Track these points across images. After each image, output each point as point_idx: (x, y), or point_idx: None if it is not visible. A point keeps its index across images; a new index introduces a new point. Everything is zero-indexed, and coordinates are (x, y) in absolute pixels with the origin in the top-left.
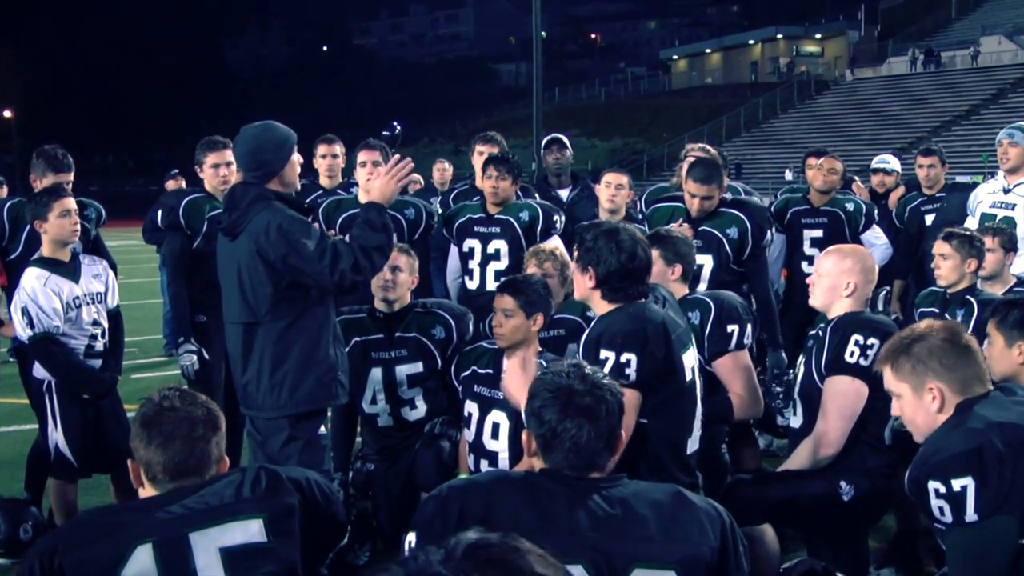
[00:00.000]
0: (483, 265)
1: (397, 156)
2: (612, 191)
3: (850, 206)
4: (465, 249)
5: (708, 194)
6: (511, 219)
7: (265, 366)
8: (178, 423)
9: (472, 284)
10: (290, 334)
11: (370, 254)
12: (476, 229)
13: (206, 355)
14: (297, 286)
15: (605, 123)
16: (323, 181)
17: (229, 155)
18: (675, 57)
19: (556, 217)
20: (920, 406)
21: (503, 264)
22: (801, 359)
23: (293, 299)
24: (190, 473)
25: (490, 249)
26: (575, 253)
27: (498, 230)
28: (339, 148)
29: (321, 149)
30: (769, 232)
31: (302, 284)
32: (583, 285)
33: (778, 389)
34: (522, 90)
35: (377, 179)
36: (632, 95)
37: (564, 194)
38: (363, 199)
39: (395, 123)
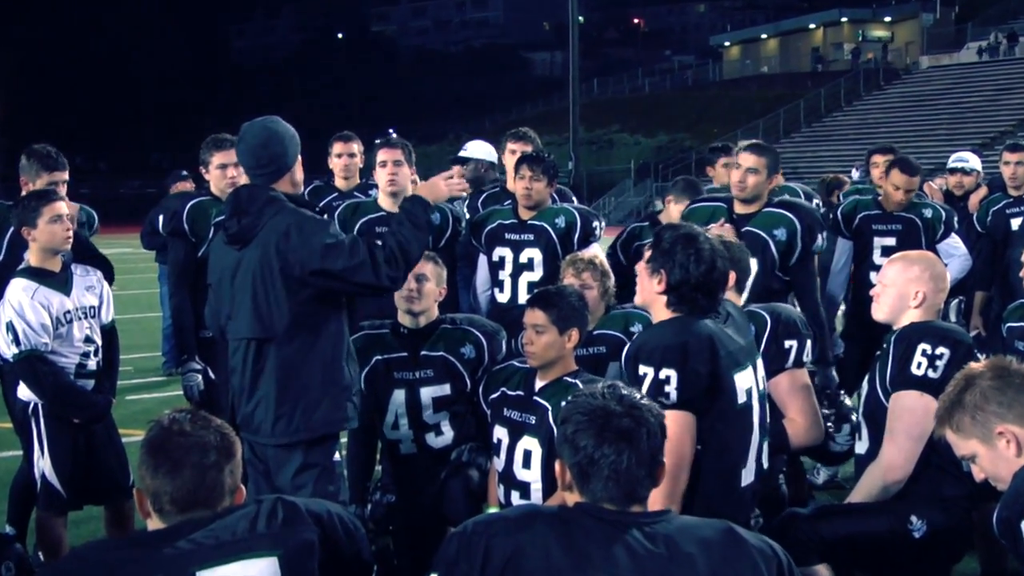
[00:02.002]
0: (515, 276)
1: (459, 170)
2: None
3: (928, 212)
4: (495, 258)
5: (756, 166)
6: (546, 225)
7: (277, 387)
8: (188, 449)
9: (503, 297)
10: (305, 352)
11: (407, 252)
12: (507, 236)
13: (212, 375)
14: (315, 299)
15: (649, 117)
16: (338, 182)
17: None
18: (727, 44)
19: (596, 223)
20: (997, 456)
21: (537, 275)
22: (867, 380)
23: (309, 313)
24: (200, 504)
25: (522, 258)
26: (646, 252)
27: (531, 237)
28: (356, 146)
29: (337, 147)
30: (820, 236)
31: (323, 296)
32: (648, 288)
33: (826, 411)
34: (557, 81)
35: (425, 182)
36: (679, 86)
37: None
38: (384, 203)
39: (390, 130)
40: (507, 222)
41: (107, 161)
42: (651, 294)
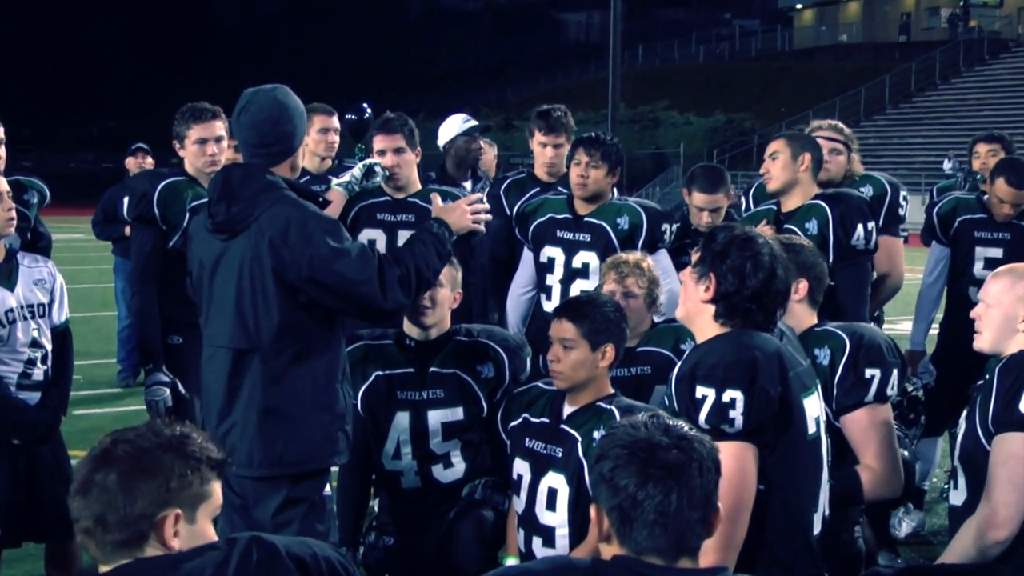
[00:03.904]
0: (566, 282)
1: (479, 196)
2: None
3: None
4: (543, 259)
5: (775, 150)
6: (605, 225)
7: (259, 409)
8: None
9: (549, 306)
10: (294, 369)
11: (424, 280)
12: (559, 234)
13: (181, 388)
14: (310, 307)
15: (704, 93)
16: (308, 162)
17: (220, 128)
18: (799, 6)
19: (666, 225)
20: None
21: (592, 283)
22: (964, 416)
23: (302, 323)
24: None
25: (576, 262)
26: (694, 255)
27: (588, 238)
28: (335, 120)
29: (319, 121)
30: (860, 227)
31: (320, 306)
32: (693, 296)
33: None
34: (595, 47)
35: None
36: (740, 56)
37: (467, 186)
38: (386, 187)
39: (364, 104)
40: (560, 216)
41: (54, 130)
42: (695, 303)
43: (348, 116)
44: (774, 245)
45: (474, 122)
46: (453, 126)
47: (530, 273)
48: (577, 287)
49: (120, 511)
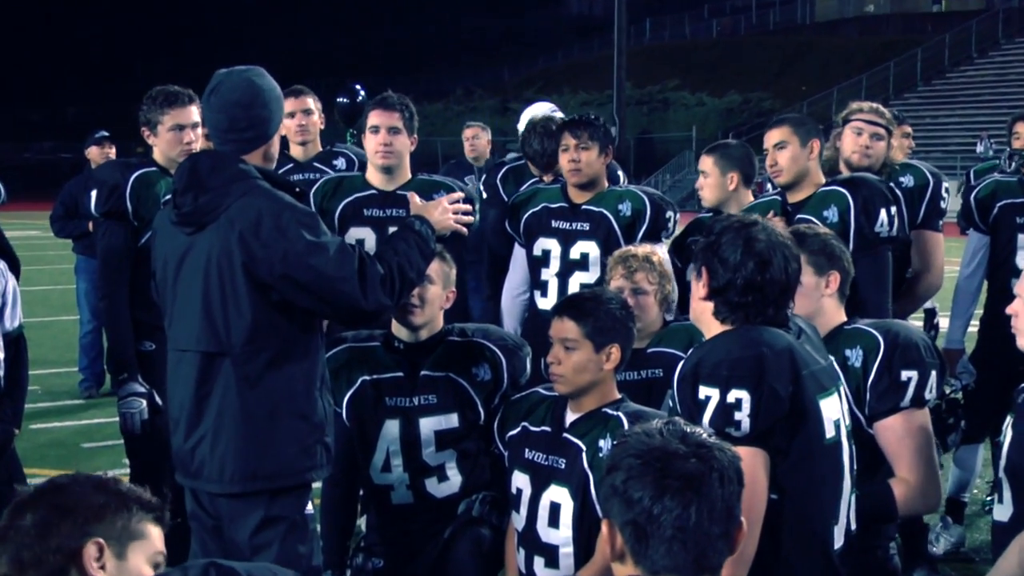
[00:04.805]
0: (563, 276)
1: (460, 195)
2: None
3: None
4: (537, 252)
5: (783, 139)
6: (606, 212)
7: (229, 417)
8: None
9: (546, 303)
10: (269, 374)
11: (407, 280)
12: (554, 224)
13: (158, 400)
14: (285, 306)
15: (717, 71)
16: (294, 151)
17: (196, 113)
18: None
19: (670, 213)
20: None
21: (592, 276)
22: (1009, 423)
23: (277, 324)
24: None
25: (574, 253)
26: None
27: (587, 227)
28: (312, 102)
29: (287, 104)
30: (883, 212)
31: (295, 306)
32: (695, 292)
33: None
34: (598, 22)
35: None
36: (757, 30)
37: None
38: (374, 179)
39: (356, 86)
40: (555, 206)
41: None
42: (696, 303)
43: (340, 99)
44: (776, 233)
45: (560, 114)
46: (536, 113)
47: (524, 272)
48: (576, 281)
49: (34, 548)
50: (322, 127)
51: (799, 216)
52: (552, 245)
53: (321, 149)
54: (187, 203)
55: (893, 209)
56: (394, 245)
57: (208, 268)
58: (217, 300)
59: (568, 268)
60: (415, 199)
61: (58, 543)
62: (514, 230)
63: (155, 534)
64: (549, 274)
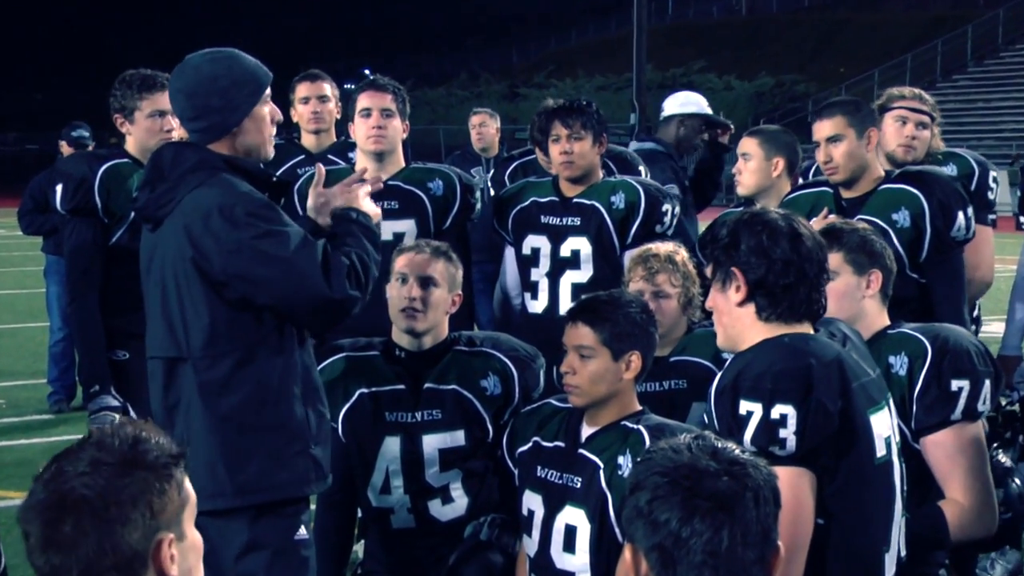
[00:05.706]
0: (554, 275)
1: (364, 169)
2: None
3: None
4: (526, 251)
5: (836, 132)
6: (598, 205)
7: (195, 427)
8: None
9: (536, 306)
10: (234, 381)
11: (369, 272)
12: (543, 220)
13: (133, 414)
14: (247, 305)
15: (746, 52)
16: (306, 140)
17: None
18: None
19: (666, 205)
20: None
21: (584, 275)
22: None
23: (239, 324)
24: None
25: (564, 250)
26: (708, 270)
27: (577, 221)
28: (329, 88)
29: (302, 90)
30: (960, 215)
31: (256, 305)
32: (726, 306)
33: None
34: None
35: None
36: (790, 6)
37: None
38: (364, 166)
39: (366, 71)
40: (544, 200)
41: None
42: (732, 316)
43: (348, 85)
44: (779, 211)
45: (703, 108)
46: (676, 103)
47: (516, 274)
48: (567, 280)
49: (109, 555)
50: (338, 116)
51: (859, 217)
52: (541, 242)
53: (336, 140)
54: (142, 197)
55: (970, 211)
56: (343, 240)
57: (163, 267)
58: (174, 301)
59: (558, 267)
60: (318, 186)
61: (136, 546)
62: (502, 228)
63: (188, 485)
64: (539, 274)
